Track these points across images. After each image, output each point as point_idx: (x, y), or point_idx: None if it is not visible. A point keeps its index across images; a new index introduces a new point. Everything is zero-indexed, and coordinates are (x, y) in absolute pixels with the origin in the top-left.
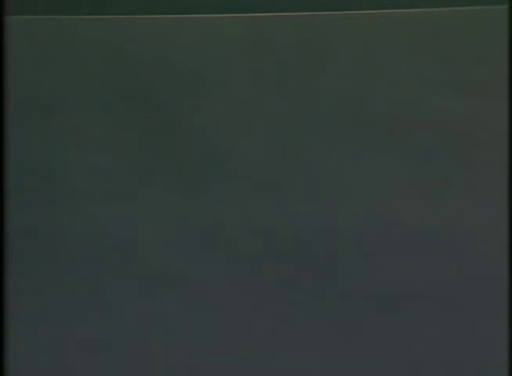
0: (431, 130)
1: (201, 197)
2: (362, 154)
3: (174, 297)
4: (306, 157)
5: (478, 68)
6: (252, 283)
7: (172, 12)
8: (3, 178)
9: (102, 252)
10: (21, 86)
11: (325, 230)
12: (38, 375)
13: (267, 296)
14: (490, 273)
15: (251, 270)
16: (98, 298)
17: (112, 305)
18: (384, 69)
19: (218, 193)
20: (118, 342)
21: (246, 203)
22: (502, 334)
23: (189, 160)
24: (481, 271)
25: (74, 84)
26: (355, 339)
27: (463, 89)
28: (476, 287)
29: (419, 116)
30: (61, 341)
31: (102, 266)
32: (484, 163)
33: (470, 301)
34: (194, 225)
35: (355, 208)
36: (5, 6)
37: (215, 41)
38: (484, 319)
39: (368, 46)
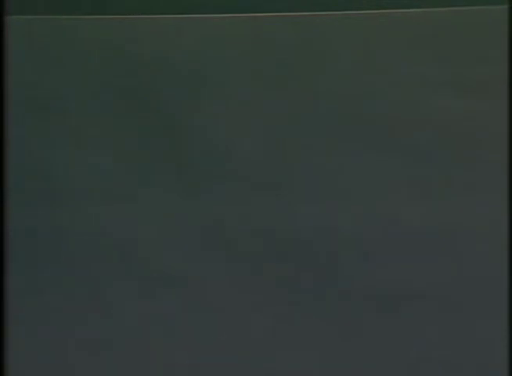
0: (431, 130)
1: (201, 197)
2: (362, 154)
3: (174, 297)
4: (306, 157)
5: (478, 68)
6: (252, 283)
7: (172, 12)
8: (3, 178)
9: (102, 252)
10: (21, 86)
11: (325, 230)
12: (38, 375)
13: (267, 296)
14: (490, 273)
15: (251, 270)
16: (98, 298)
17: (112, 305)
18: (384, 69)
19: (218, 193)
20: (118, 342)
21: (246, 203)
22: (502, 334)
23: (189, 160)
24: (481, 271)
25: (74, 84)
26: (355, 339)
27: (463, 89)
28: (476, 287)
29: (419, 116)
30: (61, 341)
31: (102, 266)
32: (484, 163)
33: (470, 301)
34: (194, 225)
35: (355, 208)
36: (5, 6)
37: (215, 41)
38: (484, 319)
39: (368, 46)
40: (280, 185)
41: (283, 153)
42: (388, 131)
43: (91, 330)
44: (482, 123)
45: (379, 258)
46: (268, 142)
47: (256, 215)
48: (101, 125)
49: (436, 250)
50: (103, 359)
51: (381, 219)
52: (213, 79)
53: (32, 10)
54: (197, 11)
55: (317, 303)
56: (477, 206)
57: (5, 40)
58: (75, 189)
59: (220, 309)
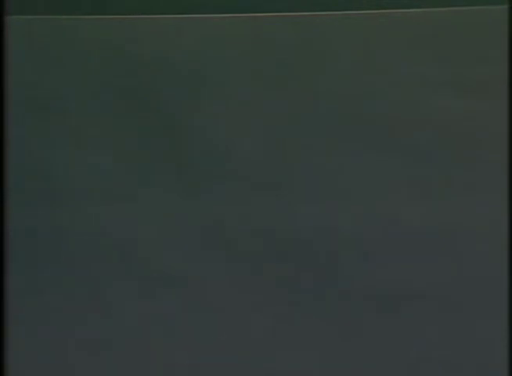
0: (431, 130)
1: (201, 197)
2: (362, 154)
3: (174, 297)
4: (306, 157)
5: (478, 68)
6: (252, 283)
7: (172, 12)
8: (3, 178)
9: (102, 252)
10: (21, 86)
11: (325, 230)
12: (38, 375)
13: (267, 296)
14: (490, 273)
15: (251, 270)
16: (98, 298)
17: (112, 305)
18: (384, 69)
19: (218, 193)
20: (118, 342)
21: (246, 203)
22: (502, 334)
23: (189, 160)
24: (481, 271)
25: (74, 84)
26: (355, 339)
27: (463, 89)
28: (476, 287)
29: (419, 116)
30: (61, 341)
31: (102, 266)
32: (484, 163)
33: (470, 301)
34: (194, 225)
35: (355, 208)
36: (5, 6)
37: (215, 41)
38: (484, 319)
39: (368, 46)
40: (280, 185)
41: (283, 153)
42: (388, 131)
43: (91, 330)
44: (482, 123)
45: (379, 258)
46: (268, 142)
47: (256, 215)
48: (101, 125)
49: (436, 250)
50: (103, 359)
51: (381, 219)
52: (213, 79)
53: (32, 10)
54: (197, 11)
55: (317, 303)
56: (477, 206)
57: (5, 40)
58: (75, 189)
59: (220, 309)
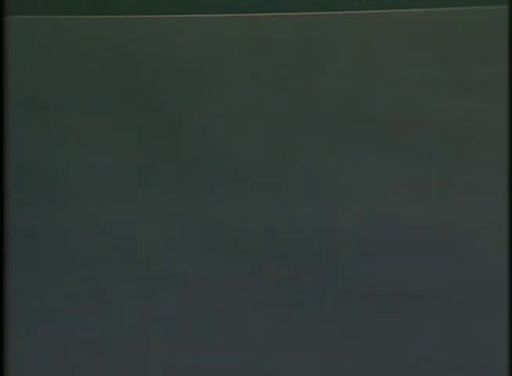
0: (431, 130)
1: (201, 197)
2: (362, 154)
3: (174, 297)
4: (306, 157)
5: (478, 68)
6: (252, 283)
7: (172, 12)
8: (3, 178)
9: (102, 252)
10: (21, 86)
11: (325, 230)
12: (38, 375)
13: (267, 296)
14: (490, 273)
15: (251, 270)
16: (98, 298)
17: (112, 305)
18: (384, 69)
19: (218, 193)
20: (118, 342)
21: (246, 203)
22: (502, 334)
23: (189, 160)
24: (481, 271)
25: (74, 84)
26: (355, 339)
27: (463, 89)
28: (476, 287)
29: (419, 116)
30: (61, 341)
31: (102, 266)
32: (484, 163)
33: (470, 301)
34: (194, 225)
35: (355, 208)
36: (5, 6)
37: (215, 41)
38: (484, 319)
39: (368, 46)
40: (280, 185)
41: (282, 153)
42: (388, 131)
43: (91, 330)
44: (482, 123)
45: (379, 258)
46: (268, 142)
47: (256, 215)
48: (101, 125)
49: (436, 250)
50: (103, 359)
51: (381, 219)
52: (213, 79)
53: (32, 10)
54: (197, 11)
55: (317, 303)
56: (477, 206)
57: (5, 40)
58: (75, 189)
59: (220, 309)
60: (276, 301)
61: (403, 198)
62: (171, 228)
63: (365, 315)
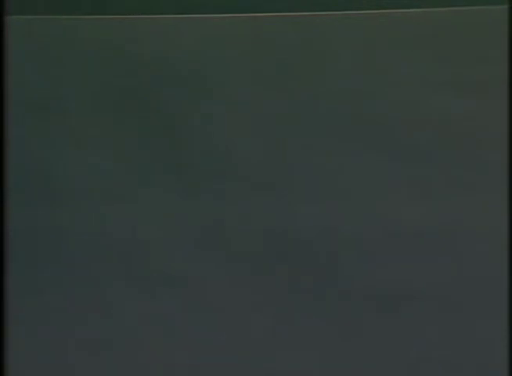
0: (431, 130)
1: (201, 197)
2: (362, 154)
3: (174, 297)
4: (306, 157)
5: (478, 68)
6: (252, 283)
7: (172, 12)
8: (3, 178)
9: (102, 252)
10: (21, 86)
11: (325, 230)
12: (38, 375)
13: (267, 296)
14: (490, 273)
15: (251, 270)
16: (98, 298)
17: (112, 305)
18: (384, 69)
19: (218, 193)
20: (118, 342)
21: (246, 203)
22: (502, 334)
23: (189, 160)
24: (481, 271)
25: (74, 84)
26: (355, 339)
27: (463, 89)
28: (476, 287)
29: (419, 116)
30: (61, 341)
31: (102, 266)
32: (484, 163)
33: (470, 301)
34: (194, 225)
35: (355, 208)
36: (5, 6)
37: (215, 41)
38: (484, 319)
39: (368, 46)
40: (280, 185)
41: (282, 153)
42: (388, 131)
43: (91, 330)
44: (482, 123)
45: (379, 258)
46: (268, 142)
47: (256, 215)
48: (101, 125)
49: (436, 250)
50: (103, 359)
51: (381, 219)
52: (213, 79)
53: (32, 10)
54: (197, 11)
55: (317, 303)
56: (477, 206)
57: (5, 40)
58: (75, 189)
59: (220, 309)
60: (276, 301)
61: (403, 198)
62: (171, 228)
63: (365, 315)
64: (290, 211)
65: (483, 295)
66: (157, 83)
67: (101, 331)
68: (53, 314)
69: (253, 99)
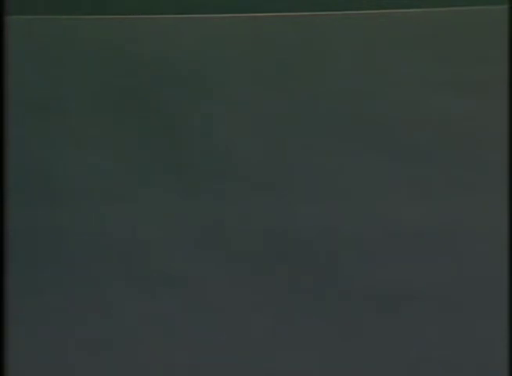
0: (431, 130)
1: (201, 197)
2: (362, 154)
3: (174, 297)
4: (306, 157)
5: (478, 68)
6: (252, 283)
7: (172, 12)
8: (3, 178)
9: (102, 252)
10: (21, 86)
11: (325, 230)
12: (38, 375)
13: (267, 296)
14: (490, 273)
15: (251, 270)
16: (98, 298)
17: (112, 305)
18: (384, 69)
19: (218, 193)
20: (118, 342)
21: (246, 203)
22: (502, 334)
23: (189, 160)
24: (481, 271)
25: (74, 84)
26: (355, 339)
27: (463, 89)
28: (476, 287)
29: (419, 116)
30: (61, 341)
31: (102, 266)
32: (484, 163)
33: (470, 301)
34: (194, 225)
35: (355, 208)
36: (5, 6)
37: (215, 41)
38: (484, 319)
39: (368, 46)
40: (280, 185)
41: (282, 153)
42: (388, 131)
43: (91, 330)
44: (482, 123)
45: (379, 258)
46: (268, 142)
47: (256, 215)
48: (101, 125)
49: (436, 250)
50: (103, 359)
51: (381, 219)
52: (213, 79)
53: (32, 10)
54: (197, 11)
55: (317, 303)
56: (477, 206)
57: (5, 40)
58: (75, 189)
59: (220, 309)
60: (276, 301)
61: (403, 198)
62: (171, 228)
63: (365, 315)
64: (290, 211)
65: (483, 295)
66: (157, 83)
67: (101, 331)
68: (53, 314)
69: (253, 99)
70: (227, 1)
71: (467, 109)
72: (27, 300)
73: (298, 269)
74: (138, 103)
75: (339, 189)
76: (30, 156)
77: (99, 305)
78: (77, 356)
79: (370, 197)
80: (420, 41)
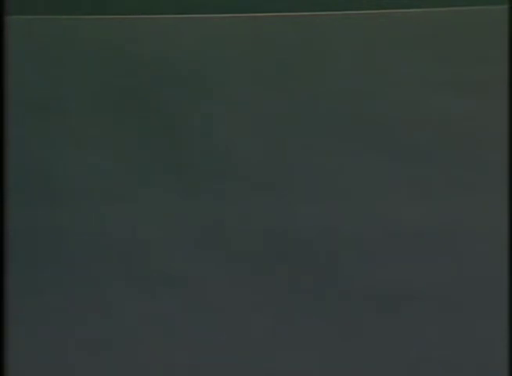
0: (431, 130)
1: (201, 197)
2: (362, 154)
3: (174, 297)
4: (306, 157)
5: (478, 68)
6: (252, 283)
7: (172, 12)
8: (3, 178)
9: (102, 252)
10: (21, 86)
11: (325, 230)
12: (38, 375)
13: (267, 296)
14: (490, 273)
15: (251, 270)
16: (98, 298)
17: (112, 305)
18: (384, 69)
19: (218, 193)
20: (118, 342)
21: (246, 203)
22: (502, 334)
23: (189, 160)
24: (481, 271)
25: (74, 84)
26: (355, 339)
27: (463, 89)
28: (476, 287)
29: (419, 116)
30: (61, 341)
31: (102, 266)
32: (484, 163)
33: (470, 301)
34: (194, 225)
35: (355, 208)
36: (5, 6)
37: (215, 41)
38: (484, 319)
39: (368, 46)
40: (280, 185)
41: (282, 153)
42: (388, 131)
43: (91, 330)
44: (482, 123)
45: (379, 258)
46: (268, 142)
47: (256, 215)
48: (101, 125)
49: (436, 250)
50: (103, 359)
51: (381, 219)
52: (213, 79)
53: (32, 10)
54: (197, 11)
55: (317, 303)
56: (477, 206)
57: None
58: (75, 189)
59: (220, 309)
60: (276, 301)
61: (403, 198)
62: (171, 228)
63: (365, 315)
64: (290, 211)
65: (483, 295)
66: (157, 83)
67: (101, 331)
68: (53, 314)
69: (253, 99)
70: (227, 1)
71: (467, 109)
72: (27, 300)
73: (298, 269)
74: (138, 103)
75: (339, 189)
76: (30, 156)
77: (99, 305)
78: (77, 356)
79: (370, 197)
80: (420, 41)
